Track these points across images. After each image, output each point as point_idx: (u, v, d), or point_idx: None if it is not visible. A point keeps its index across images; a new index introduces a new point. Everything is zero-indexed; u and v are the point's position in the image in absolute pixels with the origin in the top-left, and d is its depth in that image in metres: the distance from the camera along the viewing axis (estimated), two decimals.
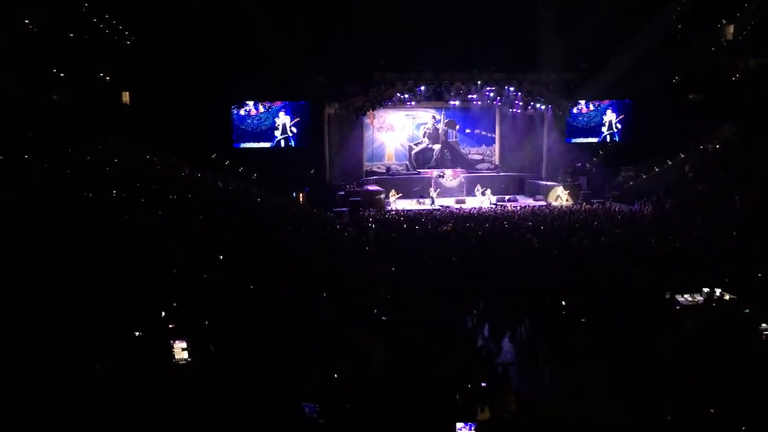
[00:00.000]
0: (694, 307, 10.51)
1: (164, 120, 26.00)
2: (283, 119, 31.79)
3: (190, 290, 9.25)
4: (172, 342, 7.29)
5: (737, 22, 32.59)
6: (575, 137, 34.83)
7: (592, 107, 34.76)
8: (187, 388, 6.77)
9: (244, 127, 31.44)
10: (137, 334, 7.49)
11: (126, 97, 27.91)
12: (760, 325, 8.94)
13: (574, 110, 34.20)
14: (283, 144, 31.91)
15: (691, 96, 33.30)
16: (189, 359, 7.27)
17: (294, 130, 31.78)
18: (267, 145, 31.66)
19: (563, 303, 10.88)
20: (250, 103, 31.20)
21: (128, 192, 16.01)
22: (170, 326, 7.85)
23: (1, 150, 14.50)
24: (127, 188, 16.35)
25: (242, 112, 31.30)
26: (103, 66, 25.77)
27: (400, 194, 31.49)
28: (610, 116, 35.00)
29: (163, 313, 8.33)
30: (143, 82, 27.37)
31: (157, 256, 10.56)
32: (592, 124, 35.06)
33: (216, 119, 29.46)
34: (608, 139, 35.13)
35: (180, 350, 7.29)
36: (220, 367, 7.24)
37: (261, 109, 31.56)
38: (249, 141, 31.48)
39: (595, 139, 35.08)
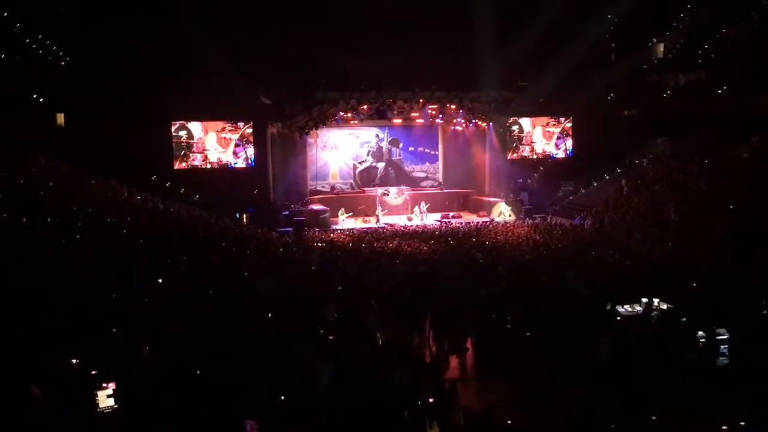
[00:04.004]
0: (634, 317, 10.76)
1: (101, 141, 25.31)
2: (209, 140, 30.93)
3: (121, 322, 8.66)
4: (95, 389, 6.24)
5: (667, 41, 33.94)
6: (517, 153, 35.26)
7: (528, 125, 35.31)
8: None
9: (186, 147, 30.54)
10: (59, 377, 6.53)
11: (60, 119, 27.14)
12: (696, 333, 9.20)
13: (514, 127, 34.78)
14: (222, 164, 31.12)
15: (626, 112, 34.38)
16: (116, 407, 6.23)
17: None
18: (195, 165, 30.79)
19: (508, 317, 10.99)
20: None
21: (64, 216, 15.49)
22: (92, 372, 6.66)
23: None
24: (63, 212, 15.82)
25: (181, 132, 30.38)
26: (37, 88, 25.04)
27: (351, 213, 31.41)
28: (537, 133, 35.45)
29: (84, 354, 7.16)
30: (78, 103, 26.66)
31: (93, 284, 10.14)
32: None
33: (155, 140, 28.81)
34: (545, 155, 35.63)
35: (105, 397, 6.20)
36: (154, 410, 6.40)
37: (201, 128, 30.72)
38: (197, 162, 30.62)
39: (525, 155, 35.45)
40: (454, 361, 10.52)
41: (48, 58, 25.32)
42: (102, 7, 25.32)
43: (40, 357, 6.83)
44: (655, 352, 9.21)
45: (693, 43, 33.11)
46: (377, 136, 36.30)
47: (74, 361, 7.00)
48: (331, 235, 26.06)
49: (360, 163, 36.29)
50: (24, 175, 18.64)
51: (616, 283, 13.12)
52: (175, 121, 29.99)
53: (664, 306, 10.85)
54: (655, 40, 34.05)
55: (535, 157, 35.22)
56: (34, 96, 25.12)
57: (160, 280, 11.37)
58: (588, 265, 16.04)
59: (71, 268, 10.68)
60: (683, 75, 33.02)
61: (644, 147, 31.09)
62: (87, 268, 10.96)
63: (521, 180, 34.21)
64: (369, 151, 36.34)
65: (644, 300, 10.99)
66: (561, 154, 35.37)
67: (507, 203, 32.02)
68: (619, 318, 10.75)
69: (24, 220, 13.93)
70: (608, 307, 11.01)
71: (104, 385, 6.28)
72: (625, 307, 10.99)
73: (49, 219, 14.66)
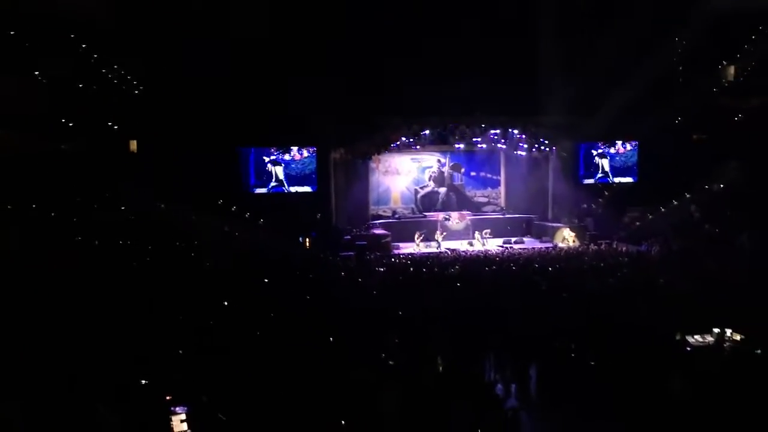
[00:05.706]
0: (705, 347, 10.39)
1: (170, 166, 26.10)
2: (275, 166, 31.69)
3: (188, 347, 8.76)
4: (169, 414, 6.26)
5: (738, 63, 32.93)
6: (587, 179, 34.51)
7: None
8: None
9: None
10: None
11: (133, 145, 28.14)
12: None
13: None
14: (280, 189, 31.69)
15: (695, 136, 33.42)
16: None
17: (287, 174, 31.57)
18: (263, 190, 31.40)
19: (572, 346, 10.77)
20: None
21: (136, 240, 16.08)
22: (167, 397, 6.71)
23: (10, 200, 14.61)
24: (137, 236, 16.42)
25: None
26: (111, 115, 26.05)
27: (422, 235, 31.32)
28: (601, 159, 34.65)
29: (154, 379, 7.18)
30: (149, 129, 27.58)
31: (159, 309, 10.42)
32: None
33: (223, 164, 29.56)
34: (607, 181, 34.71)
35: (179, 422, 6.23)
36: None
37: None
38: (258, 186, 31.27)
39: (591, 180, 34.69)
40: (515, 389, 10.37)
41: (122, 87, 26.29)
42: (175, 36, 26.17)
43: (110, 376, 7.03)
44: (729, 385, 8.85)
45: (765, 65, 32.03)
46: (439, 161, 36.33)
47: (143, 381, 7.15)
48: (392, 260, 26.10)
49: (422, 188, 36.35)
50: (99, 200, 19.46)
51: (685, 312, 12.70)
52: (242, 146, 30.74)
53: (738, 337, 10.45)
54: (725, 62, 33.06)
55: (600, 182, 34.53)
56: (109, 123, 26.10)
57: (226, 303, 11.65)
58: (656, 294, 15.57)
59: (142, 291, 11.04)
60: (755, 98, 31.93)
61: (715, 171, 30.12)
62: (157, 291, 11.32)
63: (586, 205, 33.60)
64: (431, 176, 36.39)
65: (716, 330, 10.62)
66: (627, 179, 34.59)
67: (571, 229, 31.51)
68: (689, 349, 10.40)
69: (97, 243, 14.51)
70: (678, 337, 10.68)
71: (176, 409, 6.34)
72: (696, 337, 10.63)
73: (127, 242, 15.25)
